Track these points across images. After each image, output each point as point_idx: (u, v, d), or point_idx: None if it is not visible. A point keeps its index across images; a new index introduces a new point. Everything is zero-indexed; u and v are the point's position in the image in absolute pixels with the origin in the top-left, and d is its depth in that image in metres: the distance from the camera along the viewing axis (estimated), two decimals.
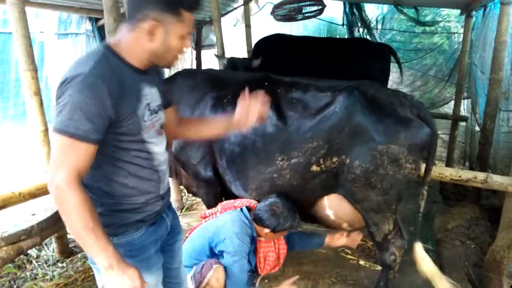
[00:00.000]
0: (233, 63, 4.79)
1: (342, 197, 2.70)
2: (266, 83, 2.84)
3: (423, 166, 2.70)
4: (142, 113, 1.53)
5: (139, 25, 1.44)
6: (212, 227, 2.65)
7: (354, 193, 2.58)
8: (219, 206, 2.85)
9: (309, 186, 2.67)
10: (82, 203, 1.35)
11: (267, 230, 2.65)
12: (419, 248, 2.66)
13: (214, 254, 2.63)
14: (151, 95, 1.59)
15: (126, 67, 1.49)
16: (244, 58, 5.14)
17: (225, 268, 2.52)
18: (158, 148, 1.65)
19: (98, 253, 1.39)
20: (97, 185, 1.55)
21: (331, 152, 2.54)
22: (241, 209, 2.74)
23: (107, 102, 1.38)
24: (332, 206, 2.74)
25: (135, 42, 1.48)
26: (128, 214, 1.60)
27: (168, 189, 1.82)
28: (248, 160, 2.73)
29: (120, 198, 1.57)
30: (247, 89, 1.78)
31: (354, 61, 5.37)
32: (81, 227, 1.36)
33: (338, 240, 2.94)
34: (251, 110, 1.82)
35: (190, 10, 1.48)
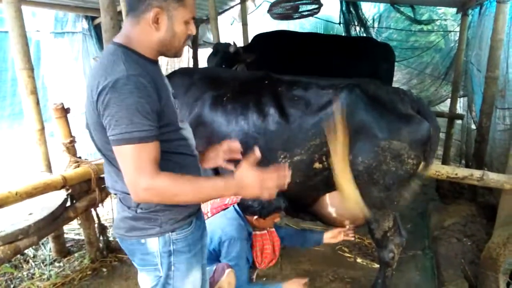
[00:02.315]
0: (216, 48, 5.00)
1: None
2: (266, 82, 2.84)
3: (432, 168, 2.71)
4: (173, 101, 1.58)
5: (143, 16, 1.46)
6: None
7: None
8: (209, 205, 2.84)
9: (311, 183, 2.67)
10: (175, 178, 1.39)
11: (256, 217, 2.68)
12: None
13: (217, 255, 2.64)
14: (168, 83, 1.64)
15: (145, 61, 1.51)
16: (224, 43, 5.16)
17: None
18: (189, 134, 1.69)
19: (224, 190, 1.44)
20: None
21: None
22: (234, 208, 2.74)
23: (154, 96, 1.41)
24: (334, 203, 2.74)
25: (143, 34, 1.49)
26: (181, 208, 1.62)
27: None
28: None
29: None
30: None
31: (360, 60, 5.34)
32: (194, 193, 1.42)
33: (336, 237, 2.96)
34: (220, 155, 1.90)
35: None
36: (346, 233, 2.95)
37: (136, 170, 1.37)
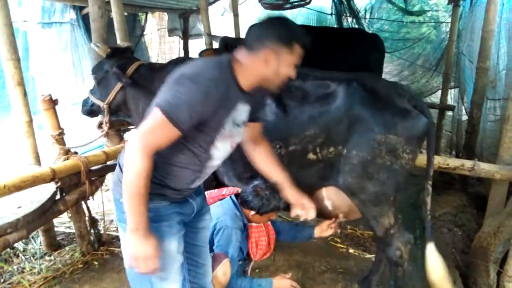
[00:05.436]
0: (227, 42, 4.66)
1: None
2: None
3: (423, 158, 2.65)
4: (225, 123, 1.73)
5: (257, 53, 1.69)
6: None
7: (351, 185, 2.54)
8: (206, 195, 2.83)
9: (305, 175, 2.62)
10: (145, 170, 1.55)
11: (253, 212, 2.68)
12: (431, 251, 2.51)
13: (211, 244, 2.63)
14: (241, 111, 1.79)
15: (235, 83, 1.71)
16: (238, 38, 4.99)
17: None
18: (218, 154, 1.82)
19: (134, 215, 1.58)
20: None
21: (328, 141, 2.51)
22: (231, 198, 2.74)
23: (209, 108, 1.61)
24: (330, 196, 2.71)
25: (251, 66, 1.72)
26: (157, 186, 1.75)
27: (200, 189, 2.05)
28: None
29: (160, 173, 1.74)
30: None
31: (350, 51, 5.33)
32: (133, 187, 1.56)
33: (326, 231, 2.97)
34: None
35: (301, 45, 1.72)
36: (335, 226, 2.96)
37: (145, 132, 1.56)
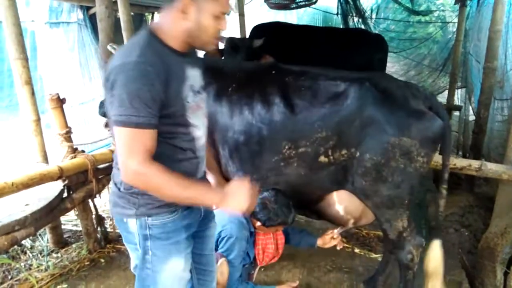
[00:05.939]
0: (233, 43, 4.59)
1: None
2: (273, 72, 2.76)
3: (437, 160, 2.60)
4: (186, 95, 1.59)
5: (174, 5, 1.50)
6: None
7: (364, 188, 2.47)
8: None
9: (316, 178, 2.58)
10: (163, 171, 1.45)
11: (259, 223, 2.65)
12: (436, 244, 2.54)
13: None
14: (193, 76, 1.65)
15: (168, 50, 1.54)
16: (244, 38, 4.96)
17: None
18: (200, 132, 1.72)
19: (206, 197, 1.54)
20: None
21: (340, 144, 2.45)
22: None
23: (158, 86, 1.44)
24: (342, 201, 2.66)
25: (171, 23, 1.53)
26: None
27: (204, 176, 1.91)
28: (253, 149, 2.62)
29: None
30: None
31: (353, 51, 5.32)
32: (177, 190, 1.47)
33: (329, 242, 2.95)
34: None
35: None
36: (336, 240, 2.95)
37: (128, 152, 1.43)
